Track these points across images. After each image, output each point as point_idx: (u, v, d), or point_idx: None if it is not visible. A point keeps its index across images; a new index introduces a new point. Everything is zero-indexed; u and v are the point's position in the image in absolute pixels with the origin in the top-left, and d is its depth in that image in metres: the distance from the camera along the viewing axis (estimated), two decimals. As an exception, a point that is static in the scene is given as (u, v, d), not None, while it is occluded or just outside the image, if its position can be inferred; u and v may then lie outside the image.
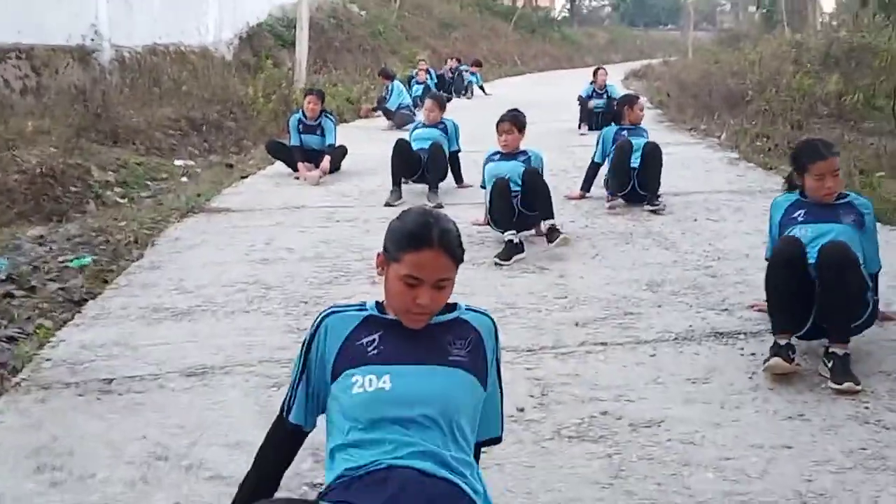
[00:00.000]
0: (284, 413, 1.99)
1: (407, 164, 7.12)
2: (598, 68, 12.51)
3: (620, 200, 6.44)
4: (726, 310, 4.00)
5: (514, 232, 5.08)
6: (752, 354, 3.42)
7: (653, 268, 4.74)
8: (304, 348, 1.97)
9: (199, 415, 2.98)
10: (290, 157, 8.41)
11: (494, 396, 2.04)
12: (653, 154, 6.34)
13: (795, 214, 3.53)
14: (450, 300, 1.96)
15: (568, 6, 57.94)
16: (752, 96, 14.49)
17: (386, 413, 1.84)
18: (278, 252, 5.21)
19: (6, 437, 2.83)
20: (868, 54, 18.30)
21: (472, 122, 9.10)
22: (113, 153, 10.56)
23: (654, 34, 57.38)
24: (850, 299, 3.19)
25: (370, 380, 1.87)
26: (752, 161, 8.50)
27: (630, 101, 7.11)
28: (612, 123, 7.00)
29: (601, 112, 11.72)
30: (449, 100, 8.07)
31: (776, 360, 3.15)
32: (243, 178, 8.26)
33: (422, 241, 1.86)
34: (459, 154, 7.45)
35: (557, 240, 5.02)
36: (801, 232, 3.41)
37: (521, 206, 5.31)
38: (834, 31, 22.56)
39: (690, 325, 3.78)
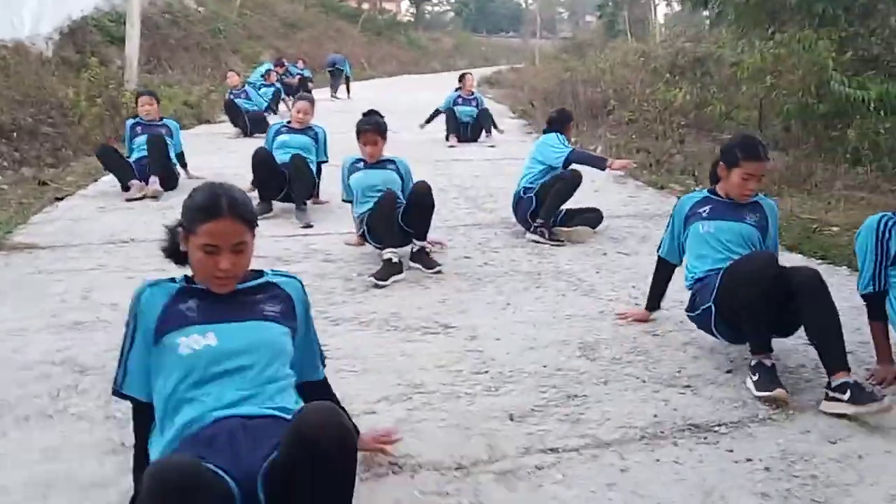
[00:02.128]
0: (117, 387, 2.09)
1: (271, 178, 6.16)
2: (465, 73, 11.69)
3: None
4: (688, 386, 3.19)
5: (393, 250, 4.64)
6: (748, 460, 2.61)
7: (579, 322, 3.90)
8: (129, 321, 2.09)
9: None
10: (124, 169, 7.07)
11: (311, 345, 2.32)
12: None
13: (701, 210, 3.54)
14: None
15: (412, 10, 57.62)
16: (614, 105, 14.27)
17: (214, 367, 2.00)
18: (98, 310, 3.96)
19: None
20: (714, 64, 18.74)
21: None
22: None
23: (497, 41, 58.14)
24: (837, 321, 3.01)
25: (195, 339, 2.01)
26: (640, 178, 7.95)
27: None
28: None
29: (470, 122, 10.97)
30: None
31: (780, 392, 2.98)
32: (58, 199, 6.81)
33: (213, 212, 2.01)
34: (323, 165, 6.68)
35: (433, 270, 4.69)
36: (705, 228, 3.47)
37: (402, 220, 4.80)
38: (683, 42, 23.18)
39: (655, 415, 2.93)
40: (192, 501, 1.63)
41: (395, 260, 4.58)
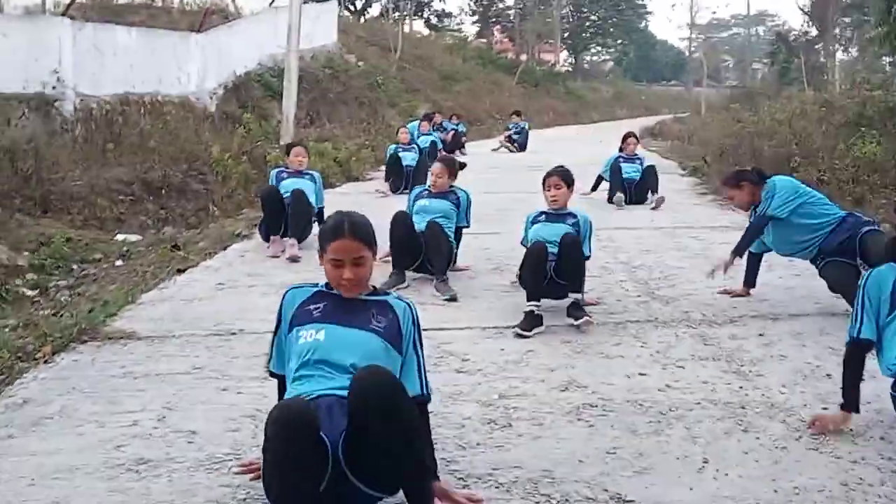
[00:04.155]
0: (268, 367, 2.85)
1: (407, 245, 5.67)
2: (629, 135, 10.43)
3: None
4: None
5: (537, 303, 4.65)
6: None
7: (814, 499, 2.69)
8: (277, 315, 2.78)
9: None
10: (278, 219, 6.97)
11: (412, 361, 2.72)
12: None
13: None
14: None
15: (571, 60, 56.87)
16: (799, 162, 12.63)
17: (320, 357, 2.60)
18: (172, 442, 3.12)
19: None
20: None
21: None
22: (38, 226, 8.62)
23: (658, 89, 56.34)
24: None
25: (311, 332, 2.65)
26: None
27: None
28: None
29: (637, 180, 9.80)
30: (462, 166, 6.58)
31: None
32: (180, 271, 6.21)
33: (338, 233, 2.67)
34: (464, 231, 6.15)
35: (582, 321, 4.61)
36: None
37: (555, 273, 4.83)
38: (867, 90, 20.98)
39: None
40: (307, 430, 2.24)
41: (536, 312, 4.60)
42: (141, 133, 12.51)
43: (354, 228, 2.66)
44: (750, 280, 5.43)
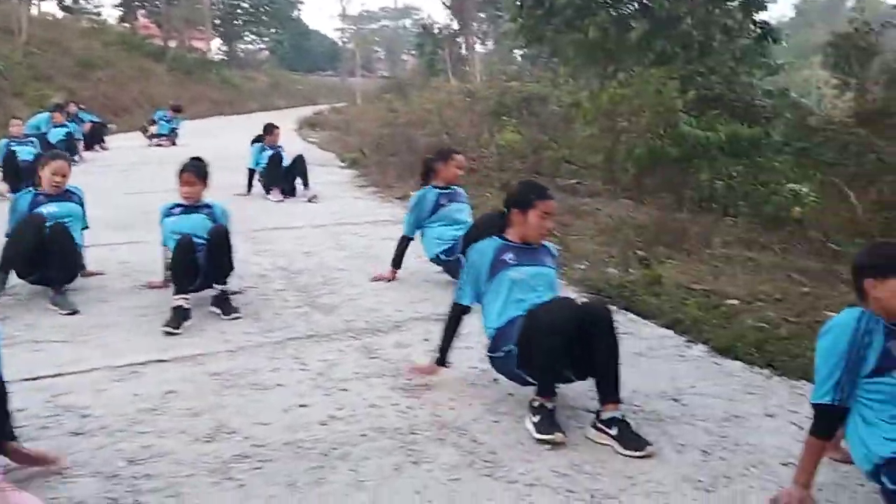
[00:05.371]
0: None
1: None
2: (272, 125, 9.95)
3: None
4: None
5: (185, 297, 4.56)
6: None
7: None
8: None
9: None
10: None
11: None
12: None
13: (505, 257, 3.55)
14: None
15: (225, 48, 54.96)
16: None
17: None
18: None
19: None
20: (539, 104, 18.15)
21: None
22: None
23: (315, 79, 56.56)
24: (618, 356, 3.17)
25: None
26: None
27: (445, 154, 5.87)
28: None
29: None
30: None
31: (559, 435, 3.06)
32: None
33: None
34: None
35: (231, 316, 4.66)
36: (515, 274, 3.50)
37: (205, 263, 4.77)
38: (504, 81, 22.65)
39: None
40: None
41: (186, 306, 4.52)
42: None
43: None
44: (397, 262, 5.62)
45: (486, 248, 3.58)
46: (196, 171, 5.05)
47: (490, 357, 3.53)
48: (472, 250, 3.66)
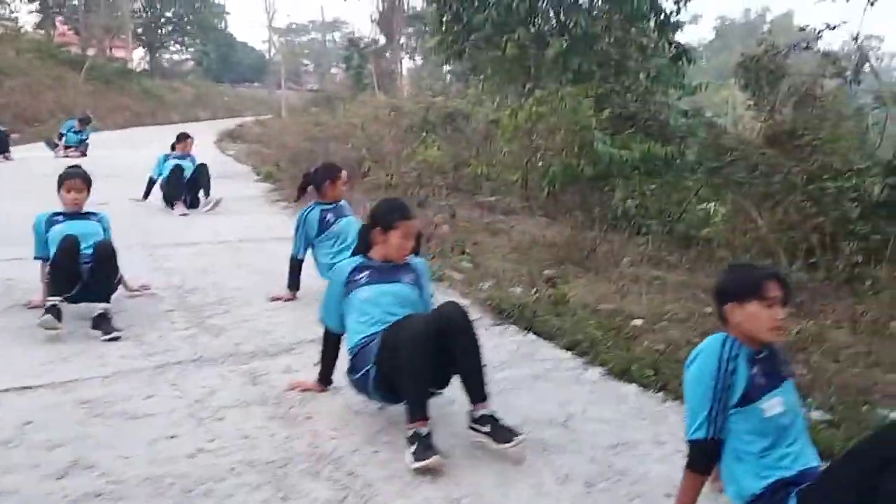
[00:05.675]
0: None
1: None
2: (185, 134, 9.89)
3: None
4: None
5: (59, 297, 4.48)
6: None
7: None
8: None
9: None
10: None
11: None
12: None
13: (359, 277, 3.55)
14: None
15: (147, 58, 53.70)
16: (370, 166, 12.93)
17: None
18: None
19: None
20: (463, 120, 18.18)
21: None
22: None
23: (242, 91, 55.70)
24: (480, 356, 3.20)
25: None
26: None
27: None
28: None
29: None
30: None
31: (436, 459, 2.95)
32: None
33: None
34: None
35: (111, 336, 4.43)
36: (364, 293, 3.49)
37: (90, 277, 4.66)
38: (430, 96, 22.63)
39: None
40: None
41: (59, 307, 4.45)
42: None
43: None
44: (293, 284, 5.49)
45: (343, 268, 3.61)
46: (84, 178, 5.03)
47: (350, 379, 3.47)
48: (332, 271, 3.69)
